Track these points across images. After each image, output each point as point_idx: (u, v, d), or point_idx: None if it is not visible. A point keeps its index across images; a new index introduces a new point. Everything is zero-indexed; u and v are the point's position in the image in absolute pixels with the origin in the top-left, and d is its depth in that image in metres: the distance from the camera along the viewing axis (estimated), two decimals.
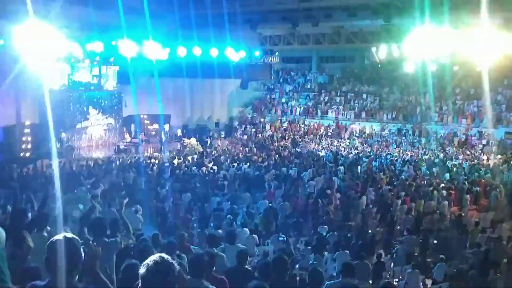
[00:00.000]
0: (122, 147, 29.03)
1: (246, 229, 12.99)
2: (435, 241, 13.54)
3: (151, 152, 28.21)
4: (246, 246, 12.29)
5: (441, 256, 11.78)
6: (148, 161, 24.69)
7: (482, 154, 27.44)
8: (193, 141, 30.31)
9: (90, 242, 3.95)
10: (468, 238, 13.94)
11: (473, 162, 25.09)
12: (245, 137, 34.71)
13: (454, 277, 12.22)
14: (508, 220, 15.43)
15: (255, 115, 38.35)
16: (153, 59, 28.25)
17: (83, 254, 3.11)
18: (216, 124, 37.19)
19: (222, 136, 35.38)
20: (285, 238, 12.61)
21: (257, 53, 34.56)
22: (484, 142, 29.15)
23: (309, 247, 11.90)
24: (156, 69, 27.97)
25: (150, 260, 2.58)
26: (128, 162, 24.24)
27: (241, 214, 15.22)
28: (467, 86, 33.02)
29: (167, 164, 23.96)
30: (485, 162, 25.65)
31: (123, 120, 31.64)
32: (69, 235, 3.15)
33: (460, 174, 22.35)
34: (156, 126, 32.12)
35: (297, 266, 11.06)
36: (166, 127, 32.33)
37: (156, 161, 24.66)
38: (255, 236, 12.65)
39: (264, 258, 8.31)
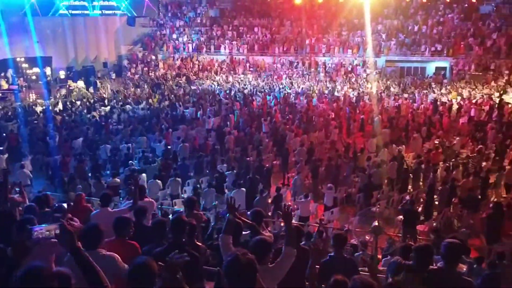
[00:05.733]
0: None
1: (144, 175, 12.78)
2: (325, 169, 14.45)
3: (34, 99, 25.95)
4: (149, 192, 12.23)
5: (329, 185, 12.68)
6: (31, 109, 22.80)
7: (366, 82, 29.26)
8: (80, 84, 28.39)
9: None
10: (355, 163, 15.06)
11: (358, 92, 26.64)
12: (137, 76, 33.26)
13: (343, 201, 13.38)
14: (390, 144, 16.94)
15: (146, 53, 36.69)
16: None
17: None
18: (104, 64, 34.98)
19: (112, 77, 33.49)
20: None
21: None
22: (368, 71, 31.02)
23: (212, 188, 12.05)
24: (29, 7, 25.18)
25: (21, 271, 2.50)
26: (6, 111, 22.23)
27: (138, 159, 14.95)
28: (352, 17, 34.36)
29: (54, 111, 22.45)
30: (368, 89, 27.42)
31: None
32: None
33: (347, 104, 23.69)
34: (36, 70, 29.36)
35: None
36: (48, 70, 29.75)
37: (40, 108, 22.88)
38: (158, 181, 12.54)
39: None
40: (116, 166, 14.56)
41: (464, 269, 5.52)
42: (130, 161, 14.17)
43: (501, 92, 25.01)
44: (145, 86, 29.65)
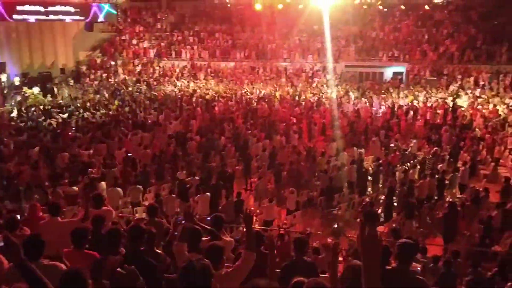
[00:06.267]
0: None
1: (103, 183, 12.52)
2: (287, 173, 14.59)
3: None
4: (109, 200, 11.97)
5: (291, 188, 12.82)
6: None
7: (326, 87, 29.72)
8: (35, 90, 27.51)
9: None
10: (317, 167, 15.28)
11: (318, 96, 27.02)
12: (96, 82, 32.55)
13: (306, 205, 13.53)
14: (350, 148, 17.31)
15: (105, 59, 35.98)
16: None
17: None
18: (62, 71, 34.00)
19: (70, 83, 32.61)
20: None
21: None
22: (328, 76, 31.54)
23: (173, 195, 11.93)
24: None
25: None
26: None
27: (98, 167, 14.60)
28: (311, 23, 34.88)
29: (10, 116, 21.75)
30: (329, 94, 27.87)
31: None
32: None
33: (308, 108, 24.01)
34: None
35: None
36: (3, 76, 28.71)
37: None
38: (118, 189, 12.30)
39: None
40: (75, 174, 14.18)
41: (419, 268, 5.71)
42: (90, 169, 13.85)
43: (454, 96, 25.99)
44: (105, 92, 29.06)
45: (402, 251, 3.50)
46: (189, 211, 3.94)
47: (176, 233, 4.13)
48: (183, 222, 3.85)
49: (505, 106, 23.63)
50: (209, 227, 4.98)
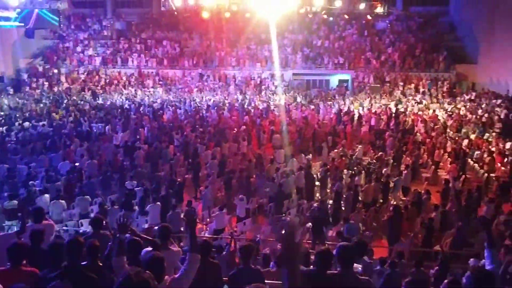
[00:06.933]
0: None
1: (47, 195, 12.05)
2: (237, 181, 14.60)
3: None
4: (52, 213, 11.52)
5: (240, 196, 12.85)
6: None
7: (275, 94, 30.08)
8: None
9: None
10: (266, 174, 15.38)
11: (267, 104, 27.26)
12: (38, 91, 31.29)
13: (256, 212, 13.60)
14: (298, 154, 17.56)
15: (47, 67, 34.69)
16: None
17: None
18: (1, 79, 32.53)
19: (10, 92, 31.18)
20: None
21: None
22: (276, 83, 31.93)
23: (116, 206, 11.61)
24: None
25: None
26: None
27: (40, 179, 14.04)
28: (259, 32, 35.26)
29: None
30: (277, 102, 28.19)
31: None
32: None
33: (257, 116, 24.18)
34: None
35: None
36: None
37: None
38: (62, 201, 11.88)
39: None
40: (14, 187, 13.54)
41: (360, 268, 5.86)
42: (31, 182, 13.29)
43: (397, 102, 27.03)
44: (47, 102, 27.98)
45: (342, 254, 3.58)
46: (124, 223, 3.84)
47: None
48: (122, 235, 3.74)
49: (444, 111, 24.85)
50: (150, 238, 4.89)
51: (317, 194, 14.75)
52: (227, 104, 27.41)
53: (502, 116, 22.41)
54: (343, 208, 13.09)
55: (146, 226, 10.97)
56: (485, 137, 19.88)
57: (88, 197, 12.37)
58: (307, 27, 36.60)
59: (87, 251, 4.08)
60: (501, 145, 18.40)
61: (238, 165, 16.26)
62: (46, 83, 32.56)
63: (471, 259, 7.69)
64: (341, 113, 24.09)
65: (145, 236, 4.90)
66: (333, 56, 33.52)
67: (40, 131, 20.38)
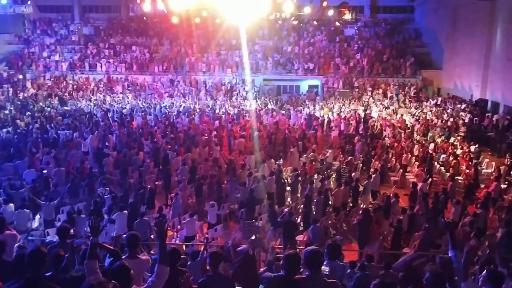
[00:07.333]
0: None
1: (11, 204, 11.69)
2: (208, 187, 14.52)
3: None
4: (17, 222, 11.18)
5: (211, 202, 12.78)
6: None
7: (245, 100, 30.12)
8: None
9: None
10: (237, 180, 15.34)
11: (238, 109, 27.27)
12: (2, 97, 30.39)
13: (227, 218, 13.55)
14: (269, 159, 17.58)
15: (12, 72, 33.78)
16: None
17: None
18: None
19: None
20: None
21: (4, 1, 30.00)
22: (247, 89, 32.00)
23: (83, 215, 11.35)
24: None
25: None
26: None
27: (3, 188, 13.60)
28: (229, 37, 35.33)
29: None
30: (248, 107, 28.24)
31: None
32: None
33: (228, 121, 24.15)
34: None
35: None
36: None
37: None
38: (27, 210, 11.54)
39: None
40: None
41: (326, 270, 5.88)
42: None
43: (365, 107, 27.49)
44: (12, 108, 27.19)
45: (309, 258, 3.60)
46: (95, 225, 3.78)
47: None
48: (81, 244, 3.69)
49: (411, 116, 25.42)
50: (111, 247, 4.81)
51: (288, 199, 14.81)
52: (197, 110, 27.29)
53: (466, 120, 23.12)
54: (314, 212, 13.17)
55: (113, 234, 10.76)
56: (450, 141, 20.45)
57: (55, 202, 12.08)
58: (277, 33, 36.89)
59: (52, 262, 3.98)
60: (465, 148, 18.95)
61: (209, 171, 16.18)
62: (11, 89, 31.66)
63: (437, 256, 7.85)
64: (311, 118, 24.32)
65: (106, 245, 4.81)
66: (303, 61, 33.87)
67: (4, 138, 19.80)
